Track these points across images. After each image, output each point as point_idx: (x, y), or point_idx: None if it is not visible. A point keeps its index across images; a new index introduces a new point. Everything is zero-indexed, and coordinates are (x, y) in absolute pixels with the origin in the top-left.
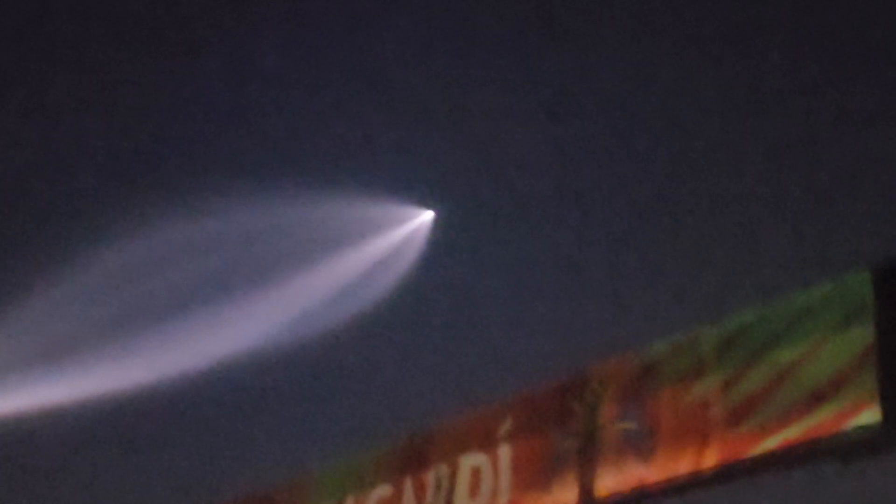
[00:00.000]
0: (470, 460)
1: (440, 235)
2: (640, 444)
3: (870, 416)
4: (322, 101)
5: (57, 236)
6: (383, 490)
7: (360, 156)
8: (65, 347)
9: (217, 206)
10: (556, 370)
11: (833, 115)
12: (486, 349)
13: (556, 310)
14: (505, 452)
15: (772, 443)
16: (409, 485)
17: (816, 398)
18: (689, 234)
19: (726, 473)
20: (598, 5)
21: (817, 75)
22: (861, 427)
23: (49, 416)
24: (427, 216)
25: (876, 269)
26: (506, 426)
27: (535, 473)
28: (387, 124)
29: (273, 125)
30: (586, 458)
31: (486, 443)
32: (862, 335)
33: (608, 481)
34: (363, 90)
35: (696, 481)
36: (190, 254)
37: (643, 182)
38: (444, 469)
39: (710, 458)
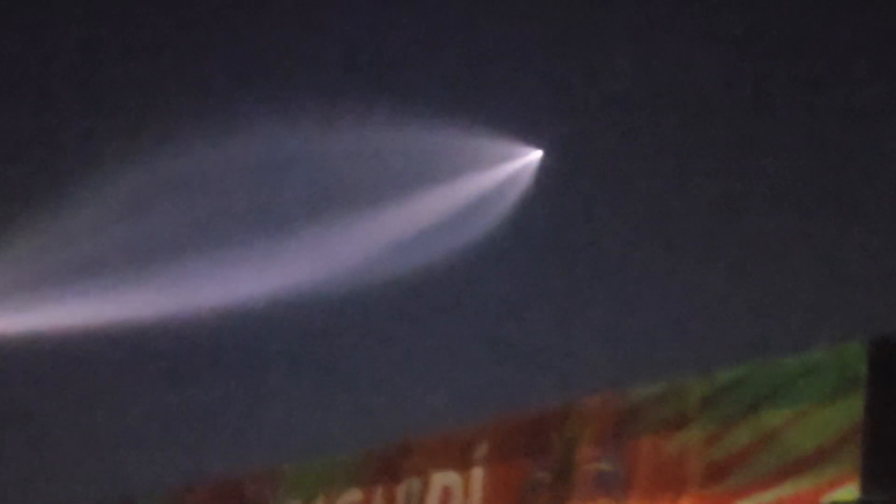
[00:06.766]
0: (442, 478)
1: (547, 178)
2: (614, 488)
3: (847, 492)
4: (430, 25)
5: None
6: (353, 496)
7: (468, 83)
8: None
9: (315, 126)
10: (543, 398)
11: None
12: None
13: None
14: (478, 476)
15: None
16: (379, 494)
17: (796, 467)
18: (685, 275)
19: None
20: None
21: None
22: (836, 503)
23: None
24: (535, 155)
25: (872, 342)
26: (482, 449)
27: (505, 502)
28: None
29: (378, 45)
30: (557, 495)
31: (461, 463)
32: (850, 409)
33: None
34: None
35: None
36: (279, 173)
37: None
38: (416, 484)
39: None
